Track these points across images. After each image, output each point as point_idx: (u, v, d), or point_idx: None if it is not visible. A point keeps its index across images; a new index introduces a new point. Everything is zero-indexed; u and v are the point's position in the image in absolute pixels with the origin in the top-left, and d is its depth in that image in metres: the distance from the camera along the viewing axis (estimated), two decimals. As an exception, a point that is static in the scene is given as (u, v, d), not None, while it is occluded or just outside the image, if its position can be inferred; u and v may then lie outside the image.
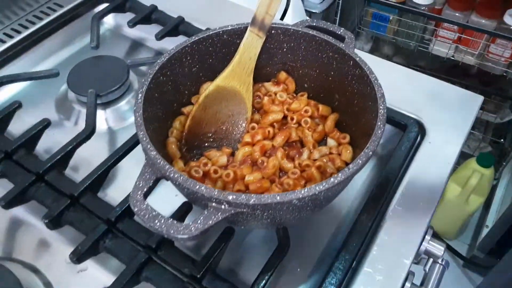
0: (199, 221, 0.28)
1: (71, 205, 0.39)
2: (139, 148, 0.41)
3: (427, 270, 0.47)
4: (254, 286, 0.34)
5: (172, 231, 0.28)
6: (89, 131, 0.44)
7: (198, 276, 0.34)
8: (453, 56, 1.14)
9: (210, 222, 0.28)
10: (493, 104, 1.20)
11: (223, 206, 0.29)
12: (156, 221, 0.28)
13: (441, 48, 1.13)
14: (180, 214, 0.38)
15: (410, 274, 0.41)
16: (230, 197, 0.28)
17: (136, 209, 0.29)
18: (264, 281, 0.35)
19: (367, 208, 0.41)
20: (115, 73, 0.52)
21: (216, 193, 0.29)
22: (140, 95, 0.34)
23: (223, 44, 0.41)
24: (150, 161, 0.31)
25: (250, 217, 0.31)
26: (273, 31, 0.42)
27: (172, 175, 0.30)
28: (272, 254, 0.37)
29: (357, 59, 0.38)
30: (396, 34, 1.20)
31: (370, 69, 0.37)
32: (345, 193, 0.44)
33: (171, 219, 0.28)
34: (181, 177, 0.29)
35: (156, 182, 0.31)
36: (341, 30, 0.42)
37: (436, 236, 1.21)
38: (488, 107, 1.20)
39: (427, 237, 0.45)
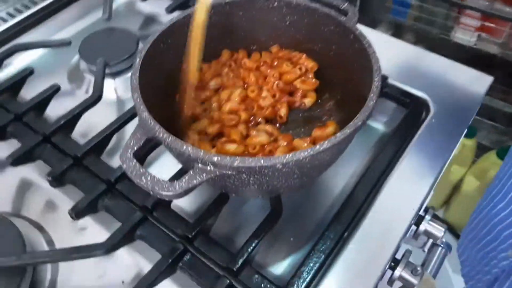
0: (184, 180, 0.29)
1: (74, 165, 0.40)
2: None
3: (425, 250, 0.47)
4: (243, 249, 0.35)
5: (157, 188, 0.29)
6: (96, 97, 0.46)
7: (190, 236, 0.35)
8: (475, 45, 1.10)
9: (195, 181, 0.29)
10: (517, 96, 1.16)
11: (208, 167, 0.30)
12: (143, 177, 0.29)
13: (464, 36, 1.09)
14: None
15: (407, 252, 0.41)
16: (215, 158, 0.29)
17: (125, 166, 0.30)
18: (252, 246, 0.36)
19: (364, 180, 0.41)
20: (125, 45, 0.54)
21: (202, 153, 0.30)
22: (138, 59, 0.35)
23: (226, 16, 0.42)
24: (141, 122, 0.32)
25: (237, 181, 0.32)
26: (276, 3, 0.42)
27: (161, 135, 0.31)
28: (263, 220, 0.38)
29: (357, 32, 0.38)
30: (417, 21, 1.17)
31: (369, 43, 0.37)
32: (344, 167, 0.44)
33: (158, 177, 0.29)
34: (169, 138, 0.30)
35: (147, 142, 0.32)
36: (345, 5, 0.41)
37: (451, 229, 1.19)
38: (511, 98, 1.16)
39: (427, 217, 0.45)
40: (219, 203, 0.38)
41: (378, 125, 0.50)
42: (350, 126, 0.31)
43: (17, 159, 0.41)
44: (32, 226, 0.42)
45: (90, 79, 0.53)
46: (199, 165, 0.30)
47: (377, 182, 0.42)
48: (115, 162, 0.44)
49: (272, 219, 0.38)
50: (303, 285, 0.34)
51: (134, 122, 0.44)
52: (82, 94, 0.53)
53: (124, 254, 0.39)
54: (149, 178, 0.29)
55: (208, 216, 0.37)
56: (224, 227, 0.39)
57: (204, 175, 0.30)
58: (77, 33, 0.59)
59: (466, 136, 1.05)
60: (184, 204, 0.40)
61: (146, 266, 0.37)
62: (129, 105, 0.51)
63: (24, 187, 0.44)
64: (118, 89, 0.53)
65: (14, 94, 0.48)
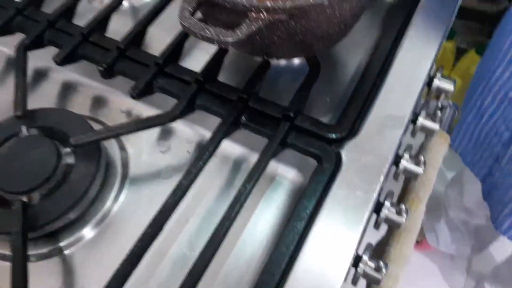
0: (243, 28, 0.32)
1: (119, 56, 0.43)
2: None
3: (439, 105, 0.52)
4: (294, 99, 0.39)
5: (221, 36, 0.32)
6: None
7: (245, 97, 0.39)
8: None
9: (252, 27, 0.32)
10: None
11: (261, 14, 0.33)
12: (206, 30, 0.32)
13: None
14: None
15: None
16: (268, 4, 0.32)
17: (186, 24, 0.33)
18: (302, 96, 0.40)
19: (378, 52, 0.45)
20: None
21: (255, 2, 0.32)
22: None
23: None
24: (191, -14, 0.34)
25: (284, 32, 0.35)
26: None
27: (213, -8, 0.33)
28: (306, 78, 0.41)
29: None
30: None
31: None
32: (358, 41, 0.47)
33: (219, 28, 0.32)
34: (223, -7, 0.33)
35: (199, 5, 0.34)
36: None
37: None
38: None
39: (438, 74, 0.49)
40: (262, 70, 0.42)
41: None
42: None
43: (63, 59, 0.43)
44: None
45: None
46: (253, 14, 0.33)
47: (390, 51, 0.45)
48: (154, 51, 0.46)
49: (312, 76, 0.42)
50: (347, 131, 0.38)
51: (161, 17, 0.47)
52: (97, 5, 0.54)
53: (184, 128, 0.42)
54: (211, 30, 0.32)
55: (255, 81, 0.41)
56: (269, 91, 0.43)
57: (259, 21, 0.33)
58: None
59: (446, 38, 1.08)
60: (228, 79, 0.43)
61: (207, 134, 0.41)
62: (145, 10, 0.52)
63: (70, 88, 0.47)
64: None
65: (37, 7, 0.49)
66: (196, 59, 0.46)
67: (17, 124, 0.39)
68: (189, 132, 0.42)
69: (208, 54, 0.45)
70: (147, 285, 0.35)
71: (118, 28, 0.48)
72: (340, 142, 0.37)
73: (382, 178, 0.35)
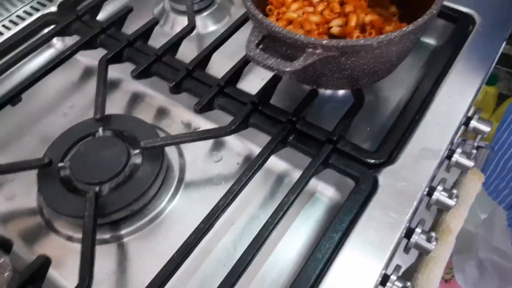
0: (300, 60, 0.37)
1: (186, 76, 0.49)
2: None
3: (475, 145, 0.54)
4: (338, 126, 0.43)
5: (281, 66, 0.37)
6: (190, 27, 0.54)
7: (294, 119, 0.44)
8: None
9: (309, 60, 0.37)
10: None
11: (317, 50, 0.38)
12: (268, 60, 0.38)
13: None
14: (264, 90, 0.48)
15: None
16: (324, 42, 0.37)
17: (251, 54, 0.38)
18: (345, 124, 0.44)
19: (420, 90, 0.48)
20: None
21: (312, 39, 0.37)
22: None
23: None
24: (257, 22, 0.40)
25: (335, 66, 0.40)
26: None
27: (277, 29, 0.39)
28: (349, 108, 0.46)
29: None
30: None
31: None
32: (402, 79, 0.51)
33: (279, 59, 0.38)
34: (284, 30, 0.38)
35: (263, 38, 0.40)
36: None
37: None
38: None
39: (476, 116, 0.51)
40: (310, 97, 0.47)
41: (430, 41, 0.57)
42: (427, 14, 0.39)
43: (139, 74, 0.49)
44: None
45: (174, 17, 0.61)
46: (310, 49, 0.38)
47: (430, 90, 0.48)
48: (216, 73, 0.52)
49: (356, 107, 0.46)
50: (385, 158, 0.42)
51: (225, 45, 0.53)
52: (168, 30, 0.61)
53: (236, 142, 0.48)
54: (273, 60, 0.38)
55: (304, 106, 0.45)
56: (315, 116, 0.47)
57: (315, 56, 0.38)
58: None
59: (488, 83, 1.09)
60: (279, 102, 0.48)
61: (255, 149, 0.46)
62: (210, 38, 0.59)
63: (138, 98, 0.53)
64: (204, 23, 0.61)
65: (119, 27, 0.57)
66: (251, 83, 0.52)
67: (95, 126, 0.46)
68: (240, 146, 0.47)
69: (261, 79, 0.50)
70: (192, 277, 0.39)
71: (186, 51, 0.55)
72: (378, 167, 0.41)
73: (415, 203, 0.39)
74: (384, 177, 0.41)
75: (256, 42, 0.39)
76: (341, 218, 0.37)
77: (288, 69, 0.37)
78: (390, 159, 0.42)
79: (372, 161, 0.41)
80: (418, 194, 0.39)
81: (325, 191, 0.43)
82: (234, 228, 0.42)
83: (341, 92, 0.52)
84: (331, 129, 0.44)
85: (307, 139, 0.43)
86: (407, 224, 0.38)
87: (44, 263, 0.34)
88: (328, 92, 0.51)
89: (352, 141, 0.43)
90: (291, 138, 0.44)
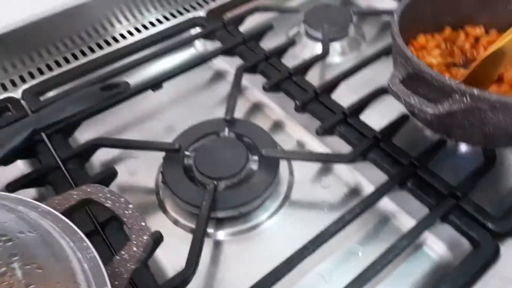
0: (445, 105, 0.36)
1: (313, 98, 0.51)
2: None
3: None
4: (463, 182, 0.41)
5: (423, 106, 0.36)
6: (325, 52, 0.56)
7: (417, 164, 0.42)
8: None
9: (454, 107, 0.36)
10: None
11: (465, 99, 0.36)
12: (411, 97, 0.37)
13: None
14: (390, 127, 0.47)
15: None
16: (475, 92, 0.36)
17: (394, 88, 0.38)
18: (469, 183, 0.41)
19: None
20: (340, 19, 0.63)
21: (463, 86, 0.36)
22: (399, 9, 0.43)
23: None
24: (405, 59, 0.40)
25: (479, 118, 0.38)
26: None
27: (425, 69, 0.38)
28: (478, 167, 0.43)
29: None
30: None
31: None
32: None
33: (422, 99, 0.37)
34: (434, 72, 0.38)
35: (408, 75, 0.39)
36: None
37: None
38: None
39: None
40: (438, 146, 0.45)
41: None
42: None
43: (271, 87, 0.52)
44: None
45: (306, 41, 0.64)
46: (457, 96, 0.37)
47: None
48: (341, 101, 0.52)
49: (486, 167, 0.43)
50: None
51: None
52: (298, 52, 0.63)
53: (345, 171, 0.47)
54: (416, 99, 0.37)
55: (429, 154, 0.44)
56: (436, 166, 0.45)
57: (461, 104, 0.36)
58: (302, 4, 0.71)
59: None
60: (400, 143, 0.47)
61: (364, 183, 0.46)
62: (335, 68, 0.60)
63: (258, 108, 0.56)
64: (333, 52, 0.62)
65: (257, 40, 0.60)
66: (370, 118, 0.51)
67: (222, 125, 0.49)
68: (349, 176, 0.47)
69: (381, 117, 0.49)
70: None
71: (312, 74, 0.56)
72: (503, 236, 0.38)
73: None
74: (508, 248, 0.37)
75: (400, 77, 0.39)
76: (454, 280, 0.35)
77: (430, 111, 0.36)
78: (517, 230, 0.38)
79: (498, 228, 0.38)
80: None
81: (436, 246, 0.41)
82: (331, 258, 0.41)
83: (469, 147, 0.49)
84: (451, 184, 0.42)
85: (428, 188, 0.42)
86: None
87: (157, 240, 0.36)
88: (455, 144, 0.49)
89: (475, 201, 0.41)
90: (409, 182, 0.42)
